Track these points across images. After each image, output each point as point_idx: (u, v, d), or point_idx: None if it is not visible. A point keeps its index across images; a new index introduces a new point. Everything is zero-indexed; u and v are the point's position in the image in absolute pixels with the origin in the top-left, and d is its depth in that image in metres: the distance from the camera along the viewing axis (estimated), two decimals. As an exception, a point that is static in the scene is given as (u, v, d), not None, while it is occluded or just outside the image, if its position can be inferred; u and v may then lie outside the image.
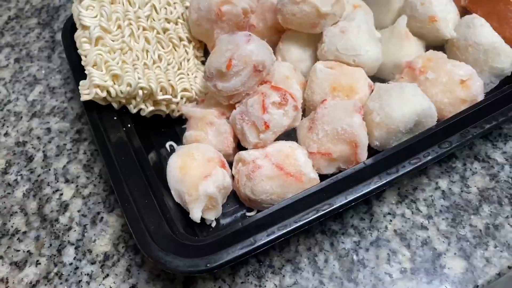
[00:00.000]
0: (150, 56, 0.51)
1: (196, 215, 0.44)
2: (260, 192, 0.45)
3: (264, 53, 0.47)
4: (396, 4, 0.59)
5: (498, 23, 0.53)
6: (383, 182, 0.42)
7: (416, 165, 0.43)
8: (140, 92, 0.48)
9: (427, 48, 0.56)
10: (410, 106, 0.46)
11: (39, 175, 0.55)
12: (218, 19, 0.52)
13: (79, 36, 0.49)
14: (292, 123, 0.48)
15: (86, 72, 0.47)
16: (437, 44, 0.56)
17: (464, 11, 0.57)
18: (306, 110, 0.53)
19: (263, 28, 0.58)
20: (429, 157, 0.44)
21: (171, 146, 0.54)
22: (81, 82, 0.48)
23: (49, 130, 0.59)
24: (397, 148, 0.45)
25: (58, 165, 0.55)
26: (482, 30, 0.52)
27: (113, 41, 0.48)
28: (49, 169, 0.55)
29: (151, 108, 0.51)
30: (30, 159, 0.56)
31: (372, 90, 0.51)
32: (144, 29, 0.52)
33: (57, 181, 0.54)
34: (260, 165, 0.45)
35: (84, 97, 0.47)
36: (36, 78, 0.65)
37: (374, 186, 0.42)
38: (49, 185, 0.54)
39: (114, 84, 0.47)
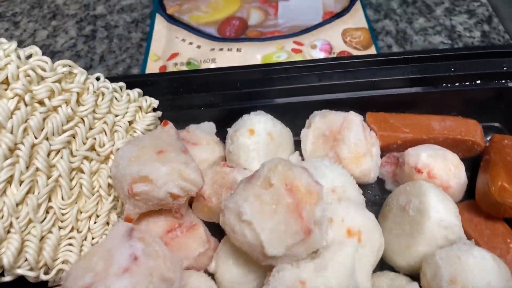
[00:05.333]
0: (27, 211, 0.36)
1: None
2: None
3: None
4: (421, 246, 0.37)
5: None
6: None
7: None
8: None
9: None
10: None
11: None
12: (131, 197, 0.35)
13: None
14: None
15: None
16: None
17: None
18: None
19: (216, 204, 0.40)
20: None
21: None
22: None
23: None
24: None
25: None
26: None
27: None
28: None
29: (8, 277, 0.36)
30: None
31: None
32: (37, 169, 0.37)
33: None
34: None
35: None
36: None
37: None
38: None
39: None
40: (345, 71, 0.48)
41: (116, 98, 0.43)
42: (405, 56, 0.48)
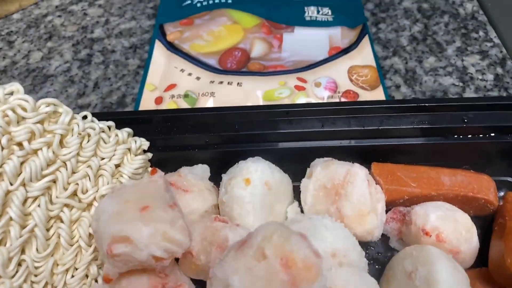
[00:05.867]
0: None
1: None
2: None
3: None
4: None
5: None
6: None
7: None
8: None
9: None
10: None
11: None
12: (110, 258, 0.32)
13: None
14: None
15: None
16: None
17: None
18: None
19: (205, 263, 0.36)
20: None
21: None
22: None
23: None
24: None
25: None
26: None
27: None
28: None
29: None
30: None
31: None
32: (11, 219, 0.34)
33: None
34: None
35: None
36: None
37: None
38: None
39: None
40: (350, 117, 0.45)
41: (103, 139, 0.40)
42: (415, 104, 0.45)
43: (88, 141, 0.38)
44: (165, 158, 0.45)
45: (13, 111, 0.35)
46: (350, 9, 0.67)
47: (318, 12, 0.66)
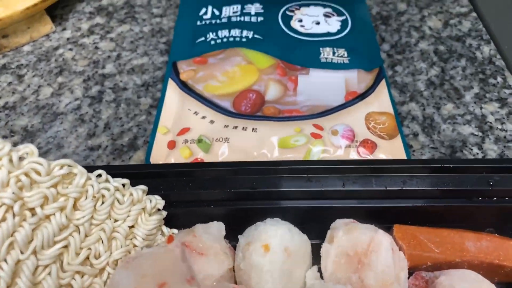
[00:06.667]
0: None
1: None
2: None
3: None
4: None
5: None
6: None
7: None
8: None
9: None
10: None
11: None
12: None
13: None
14: None
15: None
16: None
17: None
18: None
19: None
20: None
21: None
22: None
23: None
24: None
25: None
26: None
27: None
28: None
29: None
30: None
31: None
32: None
33: None
34: None
35: None
36: None
37: None
38: None
39: None
40: (372, 175, 0.43)
41: (118, 200, 0.38)
42: (439, 166, 0.43)
43: (102, 203, 0.37)
44: (179, 213, 0.43)
45: (27, 175, 0.33)
46: (366, 51, 0.66)
47: (334, 53, 0.65)
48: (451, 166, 0.43)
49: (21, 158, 0.34)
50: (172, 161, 0.53)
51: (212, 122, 0.57)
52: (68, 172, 0.36)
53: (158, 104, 0.61)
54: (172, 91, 0.61)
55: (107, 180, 0.38)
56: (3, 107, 0.62)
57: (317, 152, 0.54)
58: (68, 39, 0.71)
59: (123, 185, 0.39)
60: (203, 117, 0.57)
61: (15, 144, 0.57)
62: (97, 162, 0.55)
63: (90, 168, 0.39)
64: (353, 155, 0.53)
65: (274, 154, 0.53)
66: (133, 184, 0.41)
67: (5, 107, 0.62)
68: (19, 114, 0.61)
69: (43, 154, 0.56)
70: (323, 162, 0.44)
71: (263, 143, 0.54)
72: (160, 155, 0.54)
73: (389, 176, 0.43)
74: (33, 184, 0.34)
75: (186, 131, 0.56)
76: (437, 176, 0.43)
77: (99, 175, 0.38)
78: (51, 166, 0.35)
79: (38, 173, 0.34)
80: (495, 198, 0.43)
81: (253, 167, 0.44)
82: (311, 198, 0.43)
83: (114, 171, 0.41)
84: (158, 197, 0.41)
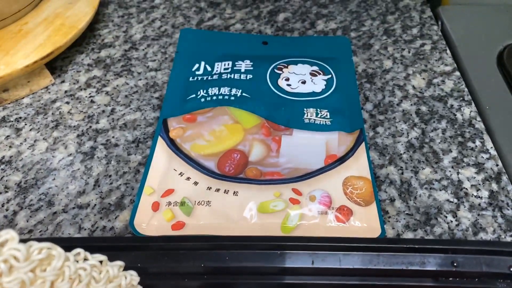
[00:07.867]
0: None
1: None
2: None
3: None
4: None
5: None
6: None
7: None
8: None
9: None
10: None
11: None
12: None
13: None
14: None
15: None
16: None
17: None
18: None
19: None
20: None
21: None
22: None
23: None
24: None
25: None
26: None
27: None
28: None
29: None
30: None
31: None
32: None
33: None
34: None
35: None
36: None
37: None
38: None
39: None
40: (340, 254, 0.45)
41: (94, 278, 0.41)
42: (405, 246, 0.45)
43: (78, 283, 0.39)
44: (155, 285, 0.46)
45: (5, 262, 0.36)
46: (348, 112, 0.68)
47: (317, 114, 0.67)
48: (416, 246, 0.45)
49: (1, 244, 0.36)
50: (155, 224, 0.55)
51: (196, 183, 0.59)
52: (47, 255, 0.38)
53: (146, 161, 0.64)
54: (161, 148, 0.64)
55: (85, 258, 0.41)
56: (0, 161, 0.65)
57: (295, 216, 0.56)
58: (66, 91, 0.75)
59: (101, 262, 0.42)
60: (188, 178, 0.60)
61: (8, 201, 0.60)
62: (84, 222, 0.57)
63: (70, 241, 0.41)
64: (329, 222, 0.55)
65: (253, 219, 0.55)
66: (111, 256, 0.43)
67: (2, 162, 0.65)
68: (14, 169, 0.64)
69: (34, 211, 0.58)
70: (297, 239, 0.46)
71: (243, 208, 0.57)
72: (144, 216, 0.56)
73: (356, 255, 0.45)
74: (11, 268, 0.36)
75: (170, 192, 0.58)
76: (403, 255, 0.45)
77: (77, 254, 0.41)
78: (31, 250, 0.37)
79: (17, 260, 0.36)
80: (458, 279, 0.45)
81: (226, 243, 0.46)
82: (282, 273, 0.45)
83: (92, 244, 0.43)
84: (133, 273, 0.43)
